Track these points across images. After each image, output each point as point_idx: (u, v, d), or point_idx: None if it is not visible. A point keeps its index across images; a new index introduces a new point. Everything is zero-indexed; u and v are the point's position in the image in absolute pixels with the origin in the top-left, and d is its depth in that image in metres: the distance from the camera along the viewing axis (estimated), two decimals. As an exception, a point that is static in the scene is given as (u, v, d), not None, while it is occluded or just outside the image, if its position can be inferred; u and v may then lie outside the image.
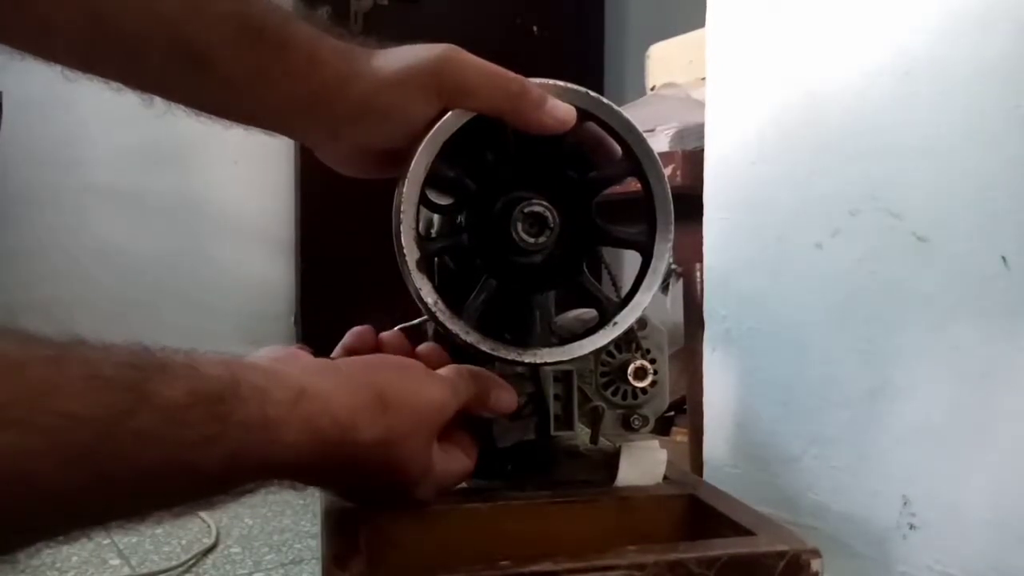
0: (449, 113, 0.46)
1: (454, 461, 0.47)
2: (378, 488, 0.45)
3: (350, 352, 0.52)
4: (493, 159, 0.49)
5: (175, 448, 0.34)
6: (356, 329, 0.54)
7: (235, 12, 0.45)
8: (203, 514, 1.38)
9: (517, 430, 0.53)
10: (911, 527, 0.65)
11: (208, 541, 1.30)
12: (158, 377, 0.34)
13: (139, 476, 0.33)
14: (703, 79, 0.89)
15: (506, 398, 0.50)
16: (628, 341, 0.55)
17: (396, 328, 0.64)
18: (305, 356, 0.45)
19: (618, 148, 0.51)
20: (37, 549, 0.33)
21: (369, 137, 0.48)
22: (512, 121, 0.47)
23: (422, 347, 0.53)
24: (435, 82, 0.46)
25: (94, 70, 0.46)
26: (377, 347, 0.53)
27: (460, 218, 0.50)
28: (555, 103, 0.47)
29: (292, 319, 2.53)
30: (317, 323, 2.46)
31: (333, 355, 0.52)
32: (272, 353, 0.44)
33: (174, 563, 1.22)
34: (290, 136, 0.52)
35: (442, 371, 0.48)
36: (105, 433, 0.31)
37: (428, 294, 0.47)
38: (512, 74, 0.47)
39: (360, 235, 1.76)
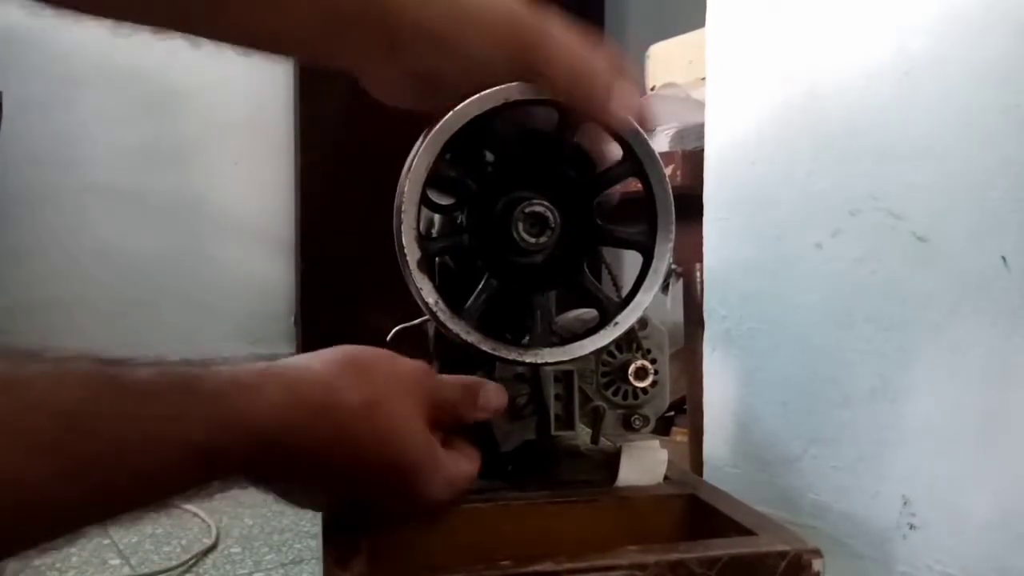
0: (450, 112, 0.46)
1: (462, 460, 0.46)
2: (380, 475, 0.42)
3: None
4: (494, 159, 0.49)
5: (147, 423, 0.33)
6: None
7: None
8: (203, 514, 1.38)
9: (519, 432, 0.53)
10: (911, 527, 0.65)
11: (208, 541, 1.30)
12: (125, 365, 0.34)
13: (113, 455, 0.32)
14: (703, 79, 0.89)
15: (495, 396, 0.49)
16: (629, 341, 0.55)
17: (396, 328, 0.64)
18: None
19: (619, 148, 0.51)
20: (25, 554, 0.32)
21: (427, 65, 0.45)
22: (583, 118, 0.46)
23: None
24: (515, 44, 0.44)
25: (129, 13, 0.44)
26: None
27: (461, 218, 0.50)
28: (623, 96, 0.46)
29: (292, 319, 2.53)
30: (317, 323, 2.47)
31: None
32: None
33: (174, 563, 1.22)
34: (330, 61, 0.47)
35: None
36: (72, 420, 0.31)
37: (429, 294, 0.47)
38: (598, 65, 0.45)
39: (360, 235, 1.77)
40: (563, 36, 0.45)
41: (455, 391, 0.47)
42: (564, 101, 0.46)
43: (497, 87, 0.46)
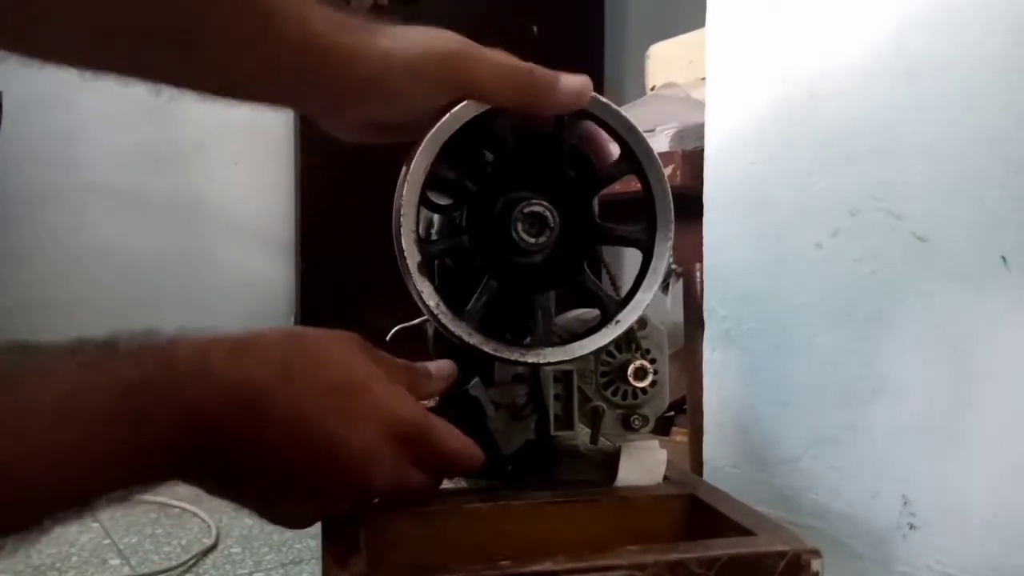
0: (448, 114, 0.46)
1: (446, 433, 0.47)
2: (310, 461, 0.42)
3: None
4: (493, 159, 0.49)
5: (79, 374, 0.36)
6: None
7: None
8: (203, 514, 1.38)
9: (520, 433, 0.53)
10: (911, 527, 0.65)
11: (208, 541, 1.30)
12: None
13: (53, 415, 0.34)
14: (703, 79, 0.89)
15: (440, 368, 0.50)
16: (628, 341, 0.55)
17: (396, 328, 0.64)
18: None
19: (617, 148, 0.51)
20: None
21: (375, 114, 0.48)
22: (530, 110, 0.47)
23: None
24: (447, 75, 0.46)
25: (97, 63, 0.46)
26: None
27: (460, 219, 0.50)
28: (566, 78, 0.48)
29: (292, 319, 2.53)
30: (317, 323, 2.45)
31: None
32: None
33: (174, 563, 1.22)
34: (291, 108, 0.52)
35: None
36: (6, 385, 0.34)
37: (430, 296, 0.47)
38: (520, 64, 0.47)
39: (360, 235, 1.76)
40: (488, 52, 0.47)
41: (401, 376, 0.47)
42: (505, 104, 0.47)
43: None
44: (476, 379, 0.52)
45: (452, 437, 0.46)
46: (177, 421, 0.38)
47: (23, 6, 0.43)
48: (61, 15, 0.43)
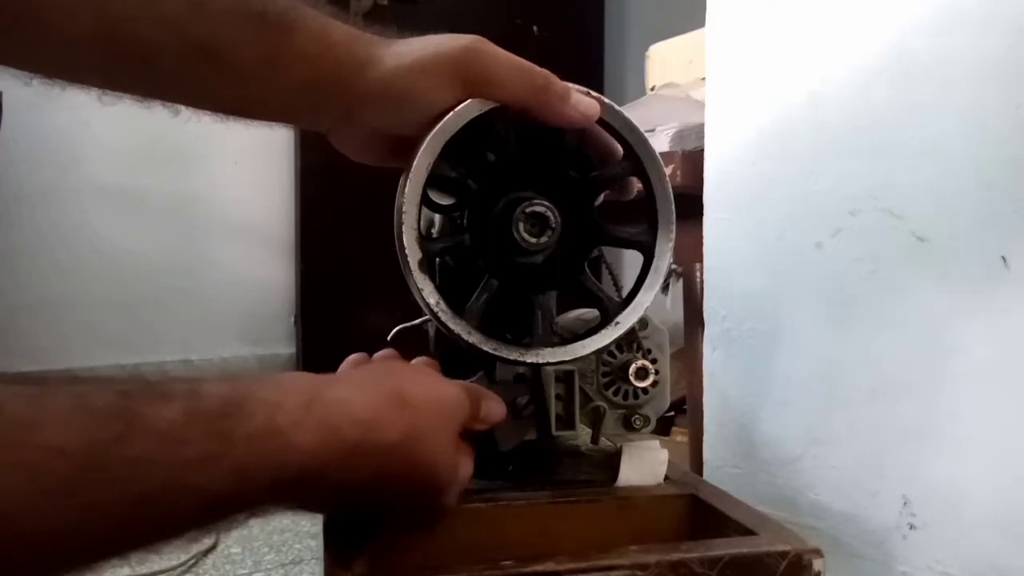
0: (451, 113, 0.46)
1: (466, 463, 0.46)
2: (403, 495, 0.42)
3: None
4: (494, 159, 0.49)
5: (173, 470, 0.32)
6: (351, 358, 0.52)
7: (236, 3, 0.45)
8: (203, 514, 1.38)
9: (518, 431, 0.53)
10: (911, 527, 0.65)
11: (208, 541, 1.30)
12: (152, 401, 0.32)
13: (134, 503, 0.31)
14: (703, 79, 0.89)
15: (496, 409, 0.49)
16: (629, 341, 0.55)
17: (396, 328, 0.64)
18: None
19: (619, 148, 0.51)
20: None
21: (386, 121, 0.48)
22: (537, 114, 0.47)
23: (416, 362, 0.51)
24: (460, 70, 0.46)
25: (117, 84, 0.47)
26: None
27: (461, 218, 0.50)
28: (579, 97, 0.48)
29: (292, 319, 2.53)
30: (317, 323, 2.46)
31: None
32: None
33: (174, 563, 1.22)
34: (305, 124, 0.51)
35: None
36: (91, 463, 0.30)
37: (430, 294, 0.47)
38: (538, 67, 0.47)
39: (360, 235, 1.76)
40: (502, 53, 0.47)
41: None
42: (518, 103, 0.47)
43: None
44: (480, 373, 0.52)
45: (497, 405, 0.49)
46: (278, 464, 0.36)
47: (40, 24, 0.43)
48: (81, 32, 0.43)
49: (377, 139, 0.50)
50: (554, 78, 0.47)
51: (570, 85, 0.48)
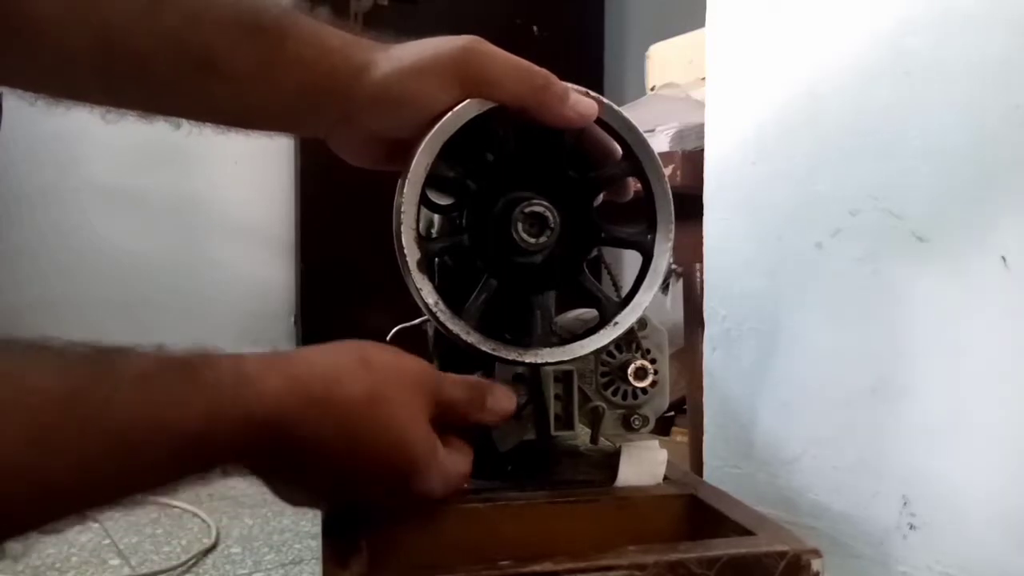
0: (449, 113, 0.46)
1: (458, 458, 0.46)
2: (375, 464, 0.42)
3: None
4: (493, 159, 0.49)
5: (147, 407, 0.34)
6: None
7: (231, 13, 0.46)
8: (203, 514, 1.38)
9: (516, 431, 0.53)
10: (911, 527, 0.65)
11: (208, 541, 1.30)
12: (124, 353, 0.35)
13: (112, 440, 0.33)
14: (703, 79, 0.89)
15: (504, 399, 0.48)
16: (628, 341, 0.55)
17: (395, 328, 0.64)
18: None
19: (618, 148, 0.51)
20: (26, 538, 0.33)
21: (385, 124, 0.48)
22: (536, 114, 0.47)
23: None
24: (458, 71, 0.46)
25: (117, 98, 0.48)
26: None
27: (460, 218, 0.50)
28: (578, 98, 0.48)
29: (292, 319, 2.53)
30: (317, 323, 2.46)
31: None
32: None
33: (174, 563, 1.22)
34: (304, 131, 0.51)
35: None
36: (70, 402, 0.32)
37: (429, 294, 0.47)
38: (537, 67, 0.47)
39: (360, 235, 1.76)
40: (500, 53, 0.47)
41: (462, 391, 0.47)
42: (516, 102, 0.47)
43: None
44: (479, 374, 0.52)
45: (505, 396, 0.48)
46: (243, 417, 0.37)
47: (40, 39, 0.44)
48: (80, 47, 0.44)
49: (376, 143, 0.50)
50: (553, 78, 0.47)
51: (569, 85, 0.48)
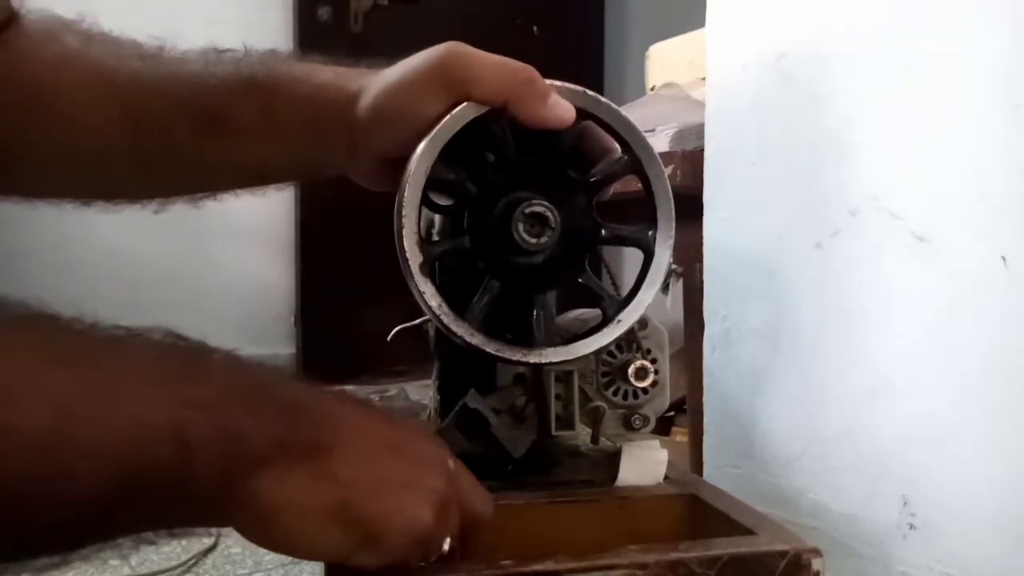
0: (448, 115, 0.46)
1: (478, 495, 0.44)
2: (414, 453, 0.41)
3: None
4: (493, 160, 0.49)
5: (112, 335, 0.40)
6: None
7: (231, 71, 0.51)
8: (203, 514, 1.38)
9: (525, 435, 0.53)
10: (911, 527, 0.65)
11: (208, 541, 1.30)
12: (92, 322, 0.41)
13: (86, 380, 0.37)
14: (703, 79, 0.89)
15: (480, 503, 0.44)
16: (629, 341, 0.55)
17: (396, 329, 0.64)
18: None
19: (617, 147, 0.51)
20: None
21: (387, 143, 0.49)
22: (514, 110, 0.47)
23: None
24: (443, 77, 0.47)
25: (148, 172, 0.55)
26: None
27: (461, 220, 0.50)
28: (557, 99, 0.47)
29: (292, 320, 2.53)
30: (317, 323, 2.47)
31: None
32: None
33: (174, 563, 1.23)
34: (323, 168, 0.54)
35: None
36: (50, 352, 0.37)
37: (432, 297, 0.47)
38: (521, 64, 0.48)
39: (360, 236, 1.77)
40: (480, 53, 0.48)
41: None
42: (498, 98, 0.47)
43: None
44: (472, 391, 0.52)
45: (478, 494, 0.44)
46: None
47: (77, 128, 0.51)
48: (112, 128, 0.51)
49: (386, 165, 0.50)
50: (537, 75, 0.47)
51: (555, 82, 0.48)
